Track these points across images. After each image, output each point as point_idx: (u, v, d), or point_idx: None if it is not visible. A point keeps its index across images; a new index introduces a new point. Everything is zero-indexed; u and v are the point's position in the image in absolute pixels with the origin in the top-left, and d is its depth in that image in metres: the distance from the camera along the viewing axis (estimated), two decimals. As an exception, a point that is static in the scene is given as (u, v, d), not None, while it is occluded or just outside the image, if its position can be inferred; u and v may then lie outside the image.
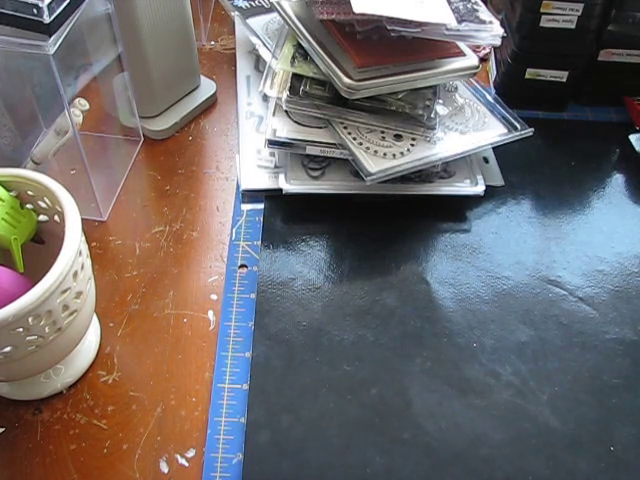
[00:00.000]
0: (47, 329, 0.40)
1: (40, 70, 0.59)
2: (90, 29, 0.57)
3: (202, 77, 0.71)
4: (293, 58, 0.61)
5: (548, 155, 0.66)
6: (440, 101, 0.61)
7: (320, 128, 0.59)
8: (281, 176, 0.59)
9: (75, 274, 0.41)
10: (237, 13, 0.74)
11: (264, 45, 0.69)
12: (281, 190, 0.58)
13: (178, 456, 0.45)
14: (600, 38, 0.66)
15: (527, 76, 0.69)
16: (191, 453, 0.45)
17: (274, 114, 0.60)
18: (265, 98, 0.67)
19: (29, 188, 0.45)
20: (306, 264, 0.55)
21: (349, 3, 0.53)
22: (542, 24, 0.64)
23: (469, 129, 0.61)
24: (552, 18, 0.63)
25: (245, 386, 0.48)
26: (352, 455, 0.44)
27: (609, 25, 0.65)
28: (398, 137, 0.59)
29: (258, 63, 0.72)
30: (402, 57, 0.57)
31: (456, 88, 0.65)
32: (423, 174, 0.60)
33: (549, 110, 0.71)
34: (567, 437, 0.46)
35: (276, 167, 0.62)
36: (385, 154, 0.57)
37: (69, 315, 0.41)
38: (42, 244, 0.48)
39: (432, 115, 0.59)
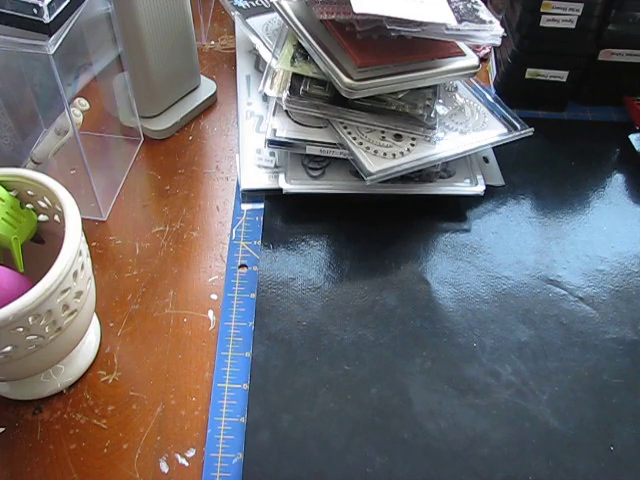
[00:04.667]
0: (47, 329, 0.40)
1: (40, 70, 0.59)
2: (90, 29, 0.57)
3: (202, 77, 0.71)
4: (293, 58, 0.61)
5: (548, 155, 0.66)
6: (440, 101, 0.61)
7: (320, 128, 0.59)
8: (281, 176, 0.59)
9: (75, 274, 0.41)
10: (237, 13, 0.74)
11: (264, 45, 0.69)
12: (281, 190, 0.58)
13: (178, 456, 0.45)
14: (600, 38, 0.66)
15: (527, 76, 0.69)
16: (191, 453, 0.45)
17: (274, 114, 0.60)
18: (265, 98, 0.67)
19: (29, 188, 0.45)
20: (306, 264, 0.55)
21: (349, 3, 0.53)
22: (542, 24, 0.64)
23: (469, 129, 0.61)
24: (552, 18, 0.63)
25: (245, 386, 0.48)
26: (352, 455, 0.44)
27: (609, 25, 0.65)
28: (398, 137, 0.59)
29: (258, 63, 0.72)
30: (402, 57, 0.57)
31: (456, 88, 0.65)
32: (423, 174, 0.60)
33: (549, 110, 0.71)
34: (567, 437, 0.46)
35: (276, 167, 0.62)
36: (385, 154, 0.57)
37: (69, 315, 0.41)
38: (42, 244, 0.48)
39: (432, 115, 0.59)
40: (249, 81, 0.70)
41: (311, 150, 0.58)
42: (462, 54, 0.60)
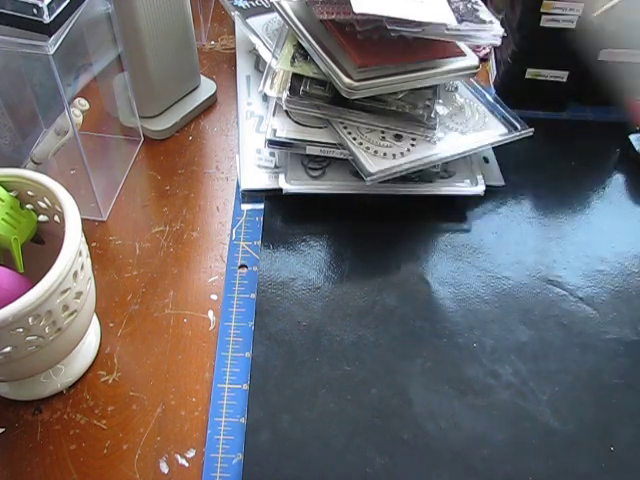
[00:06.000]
0: (47, 329, 0.40)
1: (40, 70, 0.59)
2: (90, 29, 0.57)
3: (202, 77, 0.71)
4: (293, 58, 0.61)
5: (548, 155, 0.66)
6: (440, 101, 0.61)
7: (320, 128, 0.59)
8: (281, 176, 0.59)
9: (75, 274, 0.41)
10: (237, 13, 0.74)
11: (264, 45, 0.69)
12: (281, 190, 0.58)
13: (178, 456, 0.45)
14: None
15: (527, 76, 0.69)
16: (191, 453, 0.45)
17: (274, 114, 0.60)
18: (265, 98, 0.67)
19: (29, 188, 0.45)
20: (306, 264, 0.55)
21: (349, 3, 0.53)
22: (542, 24, 0.64)
23: (469, 129, 0.61)
24: (552, 18, 0.63)
25: (245, 386, 0.48)
26: (352, 455, 0.44)
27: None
28: (398, 137, 0.59)
29: (258, 63, 0.72)
30: (402, 57, 0.57)
31: (456, 88, 0.65)
32: (423, 174, 0.60)
33: (549, 110, 0.71)
34: (567, 437, 0.46)
35: (276, 167, 0.62)
36: (385, 154, 0.57)
37: (69, 315, 0.41)
38: (42, 244, 0.48)
39: (432, 115, 0.59)
40: (249, 81, 0.70)
41: (311, 150, 0.58)
42: (462, 54, 0.60)
